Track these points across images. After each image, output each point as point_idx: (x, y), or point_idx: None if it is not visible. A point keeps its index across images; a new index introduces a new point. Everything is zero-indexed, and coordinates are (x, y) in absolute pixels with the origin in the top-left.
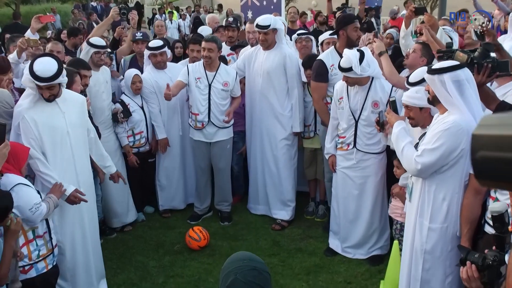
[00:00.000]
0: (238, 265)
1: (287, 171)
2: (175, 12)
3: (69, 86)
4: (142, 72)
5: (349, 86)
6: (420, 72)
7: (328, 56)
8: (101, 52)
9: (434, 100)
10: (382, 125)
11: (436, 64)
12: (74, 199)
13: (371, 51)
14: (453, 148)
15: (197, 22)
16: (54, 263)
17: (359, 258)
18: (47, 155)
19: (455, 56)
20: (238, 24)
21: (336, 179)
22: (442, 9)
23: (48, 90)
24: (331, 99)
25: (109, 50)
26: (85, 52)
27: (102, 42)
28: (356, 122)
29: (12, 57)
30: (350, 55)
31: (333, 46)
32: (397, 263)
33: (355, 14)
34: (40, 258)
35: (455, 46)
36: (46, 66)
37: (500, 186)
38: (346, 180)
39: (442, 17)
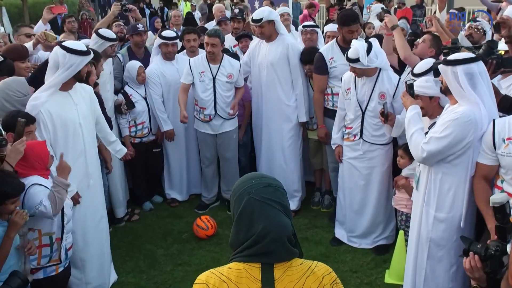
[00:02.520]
0: (250, 184)
1: (293, 162)
2: (187, 3)
3: (87, 77)
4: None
5: (356, 77)
6: (425, 63)
7: (328, 49)
8: (115, 45)
9: (446, 91)
10: (386, 117)
11: (452, 56)
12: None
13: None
14: (460, 138)
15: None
16: (67, 265)
17: (365, 247)
18: (59, 149)
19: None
20: (244, 16)
21: (342, 169)
22: (449, 3)
23: (86, 67)
24: (331, 90)
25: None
26: (98, 45)
27: (113, 34)
28: (363, 113)
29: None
30: (357, 46)
31: (335, 39)
32: (402, 252)
33: (356, 4)
34: (50, 264)
35: (488, 38)
36: (78, 45)
37: None
38: (352, 170)
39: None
